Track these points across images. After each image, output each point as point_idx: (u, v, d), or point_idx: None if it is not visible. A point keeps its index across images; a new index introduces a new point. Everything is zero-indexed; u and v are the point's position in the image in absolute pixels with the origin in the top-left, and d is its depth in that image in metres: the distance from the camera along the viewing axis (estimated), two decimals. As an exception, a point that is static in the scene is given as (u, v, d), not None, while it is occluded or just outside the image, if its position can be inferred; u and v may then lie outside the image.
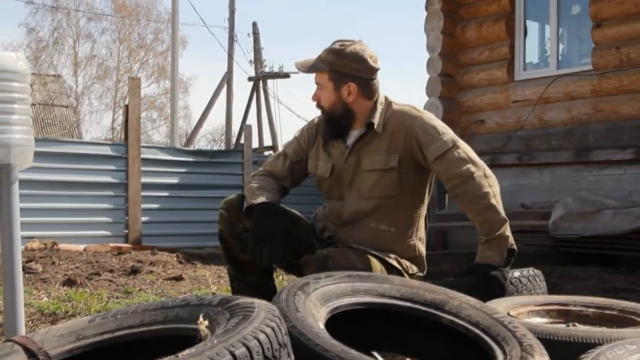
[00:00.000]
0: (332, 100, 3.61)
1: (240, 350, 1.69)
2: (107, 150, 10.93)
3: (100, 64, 45.35)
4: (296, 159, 3.85)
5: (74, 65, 44.77)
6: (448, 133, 3.56)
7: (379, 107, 3.62)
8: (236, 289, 3.77)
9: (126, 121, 11.20)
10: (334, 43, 3.64)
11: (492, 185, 3.47)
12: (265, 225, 3.44)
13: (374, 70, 3.62)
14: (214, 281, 6.61)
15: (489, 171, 3.52)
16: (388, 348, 2.79)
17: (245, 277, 3.74)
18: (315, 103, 3.69)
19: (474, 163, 3.49)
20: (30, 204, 9.54)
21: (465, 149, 3.54)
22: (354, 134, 3.65)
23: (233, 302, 2.05)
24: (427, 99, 10.63)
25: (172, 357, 1.66)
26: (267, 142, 28.90)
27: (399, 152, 3.55)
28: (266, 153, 23.03)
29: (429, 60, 10.70)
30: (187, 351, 1.69)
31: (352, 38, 3.65)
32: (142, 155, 10.95)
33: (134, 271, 7.21)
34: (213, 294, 5.58)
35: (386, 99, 3.69)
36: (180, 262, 8.41)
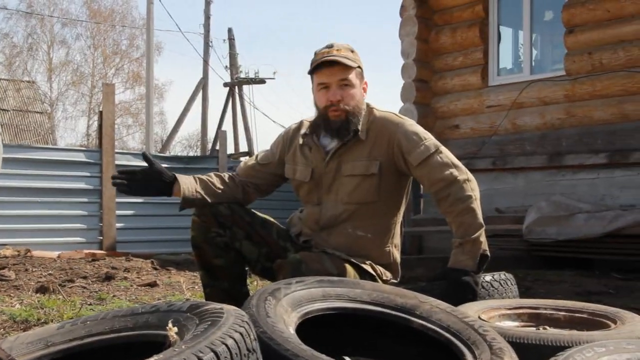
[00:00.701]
0: (358, 97, 3.60)
1: (208, 356, 1.69)
2: (81, 157, 10.89)
3: (75, 69, 45.16)
4: (264, 162, 3.89)
5: (49, 71, 44.53)
6: (430, 139, 3.58)
7: (362, 112, 3.63)
8: (209, 295, 3.75)
9: (100, 127, 11.16)
10: (330, 46, 3.59)
11: (473, 189, 3.48)
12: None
13: None
14: (188, 287, 6.59)
15: (471, 176, 3.53)
16: (359, 353, 2.79)
17: (218, 283, 3.72)
18: (327, 104, 3.57)
19: (456, 167, 3.50)
20: (3, 211, 9.49)
21: (447, 154, 3.56)
22: (335, 140, 3.63)
23: (202, 308, 2.04)
24: (401, 104, 10.66)
25: (144, 360, 1.66)
26: (243, 147, 28.88)
27: (381, 158, 3.55)
28: (242, 159, 23.02)
29: (403, 66, 10.73)
30: (155, 357, 1.68)
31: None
32: (117, 162, 10.91)
33: (108, 277, 7.16)
34: (187, 299, 5.56)
35: (367, 105, 3.69)
36: (155, 269, 8.38)
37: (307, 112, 27.25)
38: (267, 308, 2.30)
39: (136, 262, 8.73)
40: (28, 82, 41.22)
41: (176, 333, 1.95)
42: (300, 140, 3.75)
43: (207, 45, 28.64)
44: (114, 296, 6.01)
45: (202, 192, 3.68)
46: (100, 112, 11.31)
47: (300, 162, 3.73)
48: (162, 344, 1.98)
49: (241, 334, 1.83)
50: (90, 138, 44.11)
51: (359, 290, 2.67)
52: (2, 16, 49.51)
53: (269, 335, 2.11)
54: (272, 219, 3.80)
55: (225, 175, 3.85)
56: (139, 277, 7.41)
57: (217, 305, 2.04)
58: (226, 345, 1.75)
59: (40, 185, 10.46)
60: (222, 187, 3.75)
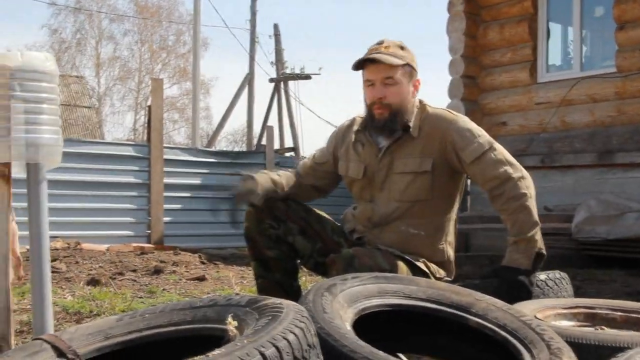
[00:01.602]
0: (404, 95, 3.55)
1: (270, 351, 1.70)
2: (130, 151, 10.98)
3: (123, 65, 45.58)
4: (327, 161, 3.88)
5: (96, 67, 44.99)
6: (484, 136, 3.54)
7: (415, 110, 3.61)
8: (261, 285, 3.78)
9: (149, 122, 11.24)
10: (380, 42, 3.58)
11: (528, 187, 3.44)
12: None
13: None
14: (237, 282, 6.62)
15: (525, 173, 3.49)
16: (414, 350, 2.79)
17: (270, 275, 3.75)
18: (373, 101, 3.56)
19: (511, 165, 3.47)
20: (54, 204, 9.59)
21: (502, 151, 3.52)
22: (385, 137, 3.63)
23: (261, 303, 2.05)
24: (448, 100, 10.60)
25: (202, 357, 1.67)
26: (289, 143, 28.92)
27: (433, 155, 3.52)
28: (287, 154, 23.07)
29: (451, 62, 10.68)
30: (217, 351, 1.69)
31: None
32: (165, 156, 10.98)
33: (157, 271, 7.23)
34: (237, 294, 5.60)
35: (420, 102, 3.67)
36: (203, 263, 8.43)
37: (353, 109, 27.17)
38: (324, 304, 2.30)
39: (184, 256, 8.79)
40: (76, 77, 41.69)
41: (235, 327, 1.96)
42: (353, 137, 3.74)
43: (253, 40, 28.72)
44: (163, 289, 6.06)
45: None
46: (149, 107, 11.39)
47: (353, 159, 3.72)
48: (220, 338, 1.99)
49: (302, 329, 1.83)
50: (136, 133, 44.55)
51: (414, 287, 2.66)
52: (52, 12, 50.04)
53: (327, 331, 2.11)
54: (327, 216, 3.81)
55: (292, 177, 3.87)
56: (187, 271, 7.46)
57: (277, 300, 2.05)
58: (287, 340, 1.76)
59: (90, 178, 10.57)
60: (290, 191, 3.79)
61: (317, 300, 2.31)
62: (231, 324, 1.96)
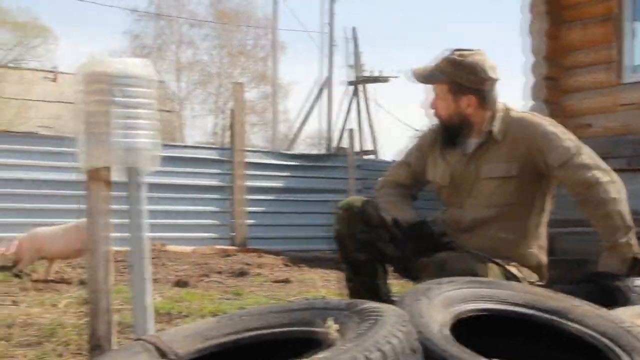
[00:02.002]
0: (450, 111, 3.57)
1: (375, 355, 1.69)
2: (213, 154, 11.11)
3: (202, 69, 46.10)
4: (418, 168, 3.84)
5: (177, 71, 45.61)
6: (571, 139, 3.48)
7: (498, 115, 3.56)
8: (352, 289, 3.78)
9: (231, 126, 11.38)
10: (452, 52, 3.57)
11: (619, 191, 3.37)
12: (428, 246, 3.49)
13: (494, 81, 3.56)
14: (322, 284, 6.63)
15: (615, 177, 3.41)
16: (509, 356, 2.75)
17: (360, 278, 3.75)
18: (432, 111, 3.64)
19: (599, 169, 3.39)
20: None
21: (590, 154, 3.45)
22: (473, 142, 3.59)
23: (361, 307, 2.05)
24: (531, 102, 10.44)
25: (308, 359, 1.67)
26: (368, 146, 28.91)
27: (520, 160, 3.47)
28: (366, 157, 23.04)
29: (533, 64, 10.52)
30: (321, 354, 1.69)
31: (471, 47, 3.60)
32: (247, 159, 11.09)
33: (242, 273, 7.31)
34: (323, 297, 5.61)
35: (505, 106, 3.62)
36: (287, 265, 8.49)
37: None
38: (421, 308, 2.28)
39: (267, 259, 8.87)
40: (157, 82, 42.28)
41: (336, 331, 1.96)
42: (440, 143, 3.73)
43: (331, 44, 28.79)
44: (250, 291, 6.11)
45: None
46: (232, 111, 11.52)
47: (440, 164, 3.70)
48: (319, 341, 1.99)
49: (405, 333, 1.82)
50: (216, 136, 45.01)
51: (509, 292, 2.62)
52: (133, 18, 50.97)
53: (425, 335, 2.09)
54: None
55: (402, 191, 3.88)
56: (271, 274, 7.53)
57: (376, 304, 2.04)
58: (391, 344, 1.75)
59: (174, 181, 10.72)
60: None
61: (413, 304, 2.30)
62: (331, 328, 1.96)
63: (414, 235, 3.54)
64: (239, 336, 2.25)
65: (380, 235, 3.68)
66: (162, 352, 2.17)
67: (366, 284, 3.73)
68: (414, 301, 2.32)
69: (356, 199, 3.85)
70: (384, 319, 1.88)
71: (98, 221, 2.44)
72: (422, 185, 3.90)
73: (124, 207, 2.60)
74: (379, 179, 4.00)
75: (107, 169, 2.45)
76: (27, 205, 9.94)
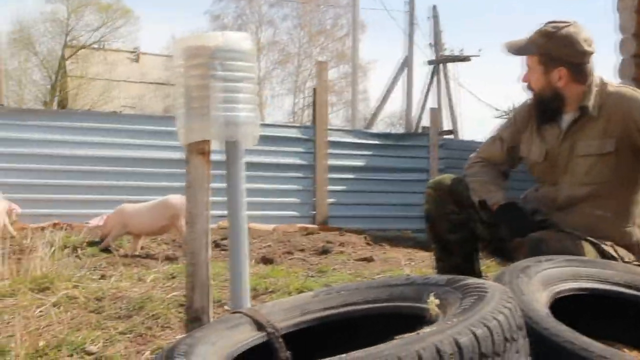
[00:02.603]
0: (541, 84, 3.50)
1: (481, 331, 1.66)
2: (295, 133, 11.13)
3: (282, 49, 46.28)
4: (512, 144, 3.76)
5: (257, 51, 45.80)
6: None
7: (594, 90, 3.47)
8: (441, 269, 3.74)
9: (314, 104, 11.38)
10: (546, 24, 3.50)
11: None
12: (519, 227, 3.41)
13: (588, 54, 3.46)
14: (405, 263, 6.60)
15: None
16: (607, 336, 2.69)
17: (450, 258, 3.70)
18: (525, 85, 3.58)
19: None
20: (221, 184, 9.86)
21: None
22: (567, 118, 3.51)
23: (462, 282, 2.02)
24: (618, 81, 10.18)
25: (413, 334, 1.65)
26: (447, 125, 28.67)
27: (616, 135, 3.38)
28: (445, 137, 22.85)
29: (621, 41, 10.24)
30: (427, 329, 1.68)
31: (567, 20, 3.52)
32: (329, 138, 11.09)
33: (325, 251, 7.32)
34: (407, 275, 5.59)
35: (601, 80, 3.53)
36: (368, 244, 8.47)
37: (513, 91, 26.57)
38: (521, 285, 2.25)
39: (349, 237, 8.86)
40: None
41: (437, 306, 1.94)
42: (535, 119, 3.66)
43: (411, 22, 28.59)
44: (333, 269, 6.11)
45: None
46: (314, 90, 11.52)
47: (535, 141, 3.63)
48: (419, 317, 1.97)
49: (510, 309, 1.79)
50: (296, 115, 45.19)
51: (610, 272, 2.56)
52: (213, -1, 51.40)
53: (526, 313, 2.06)
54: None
55: (494, 171, 3.80)
56: (354, 252, 7.52)
57: (478, 280, 2.02)
58: (497, 320, 1.71)
59: (257, 160, 10.77)
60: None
61: (513, 281, 2.27)
62: (433, 303, 1.94)
63: (502, 217, 3.49)
64: (337, 311, 2.25)
65: (471, 215, 3.63)
66: (260, 325, 2.18)
67: (457, 265, 3.68)
68: (513, 278, 2.29)
69: (446, 177, 3.79)
70: (488, 295, 1.85)
71: (198, 195, 2.46)
72: (515, 163, 3.82)
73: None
74: (470, 155, 3.92)
75: (207, 142, 2.46)
76: (113, 183, 10.13)
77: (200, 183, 2.45)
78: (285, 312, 2.27)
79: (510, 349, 1.73)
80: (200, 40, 2.40)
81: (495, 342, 1.68)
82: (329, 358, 1.60)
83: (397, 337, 1.66)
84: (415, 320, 1.94)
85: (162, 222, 7.16)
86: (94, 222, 7.61)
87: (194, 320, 2.46)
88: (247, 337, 2.13)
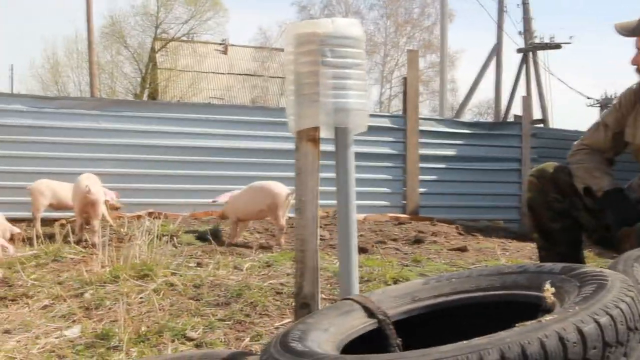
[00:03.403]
0: None
1: (604, 319, 1.63)
2: (386, 122, 11.08)
3: (368, 39, 46.13)
4: (617, 129, 3.67)
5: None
6: None
7: None
8: (544, 258, 3.68)
9: (404, 93, 11.31)
10: None
11: None
12: (626, 214, 3.34)
13: None
14: (500, 252, 6.54)
15: None
16: None
17: (554, 247, 3.64)
18: (634, 67, 3.48)
19: None
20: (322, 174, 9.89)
21: None
22: None
23: (579, 271, 1.98)
24: None
25: (534, 321, 1.63)
26: (537, 114, 28.21)
27: None
28: (537, 126, 22.49)
29: None
30: (549, 317, 1.65)
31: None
32: (420, 127, 11.01)
33: (418, 241, 7.30)
34: (504, 265, 5.53)
35: None
36: (460, 234, 8.41)
37: (605, 78, 25.99)
38: (636, 274, 2.20)
39: (441, 227, 8.82)
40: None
41: (552, 294, 1.90)
42: None
43: (501, 10, 28.16)
44: (428, 259, 6.09)
45: None
46: (404, 79, 11.46)
47: None
48: (533, 305, 1.94)
49: (632, 298, 1.75)
50: (382, 105, 45.08)
51: None
52: (300, -11, 51.66)
53: (645, 302, 2.01)
54: None
55: (598, 157, 3.72)
56: (447, 242, 7.48)
57: (596, 269, 1.97)
58: (620, 309, 1.67)
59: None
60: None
61: (627, 270, 2.22)
62: (548, 291, 1.91)
63: (608, 204, 3.40)
64: (448, 298, 2.24)
65: (575, 203, 3.56)
66: (370, 312, 2.18)
67: (561, 254, 3.61)
68: (627, 267, 2.24)
69: (548, 165, 3.72)
70: (609, 284, 1.81)
71: (308, 182, 2.47)
72: (620, 149, 3.72)
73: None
74: (574, 142, 3.84)
75: (317, 129, 2.47)
76: (206, 173, 10.26)
77: (310, 170, 2.47)
78: (395, 299, 2.27)
79: (632, 339, 1.69)
80: (311, 27, 2.40)
81: (618, 331, 1.64)
82: (448, 345, 1.59)
83: (517, 324, 1.64)
84: (529, 308, 1.92)
85: (259, 207, 7.23)
86: (221, 198, 7.72)
87: (303, 306, 2.47)
88: (358, 323, 2.14)
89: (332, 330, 2.05)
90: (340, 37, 2.40)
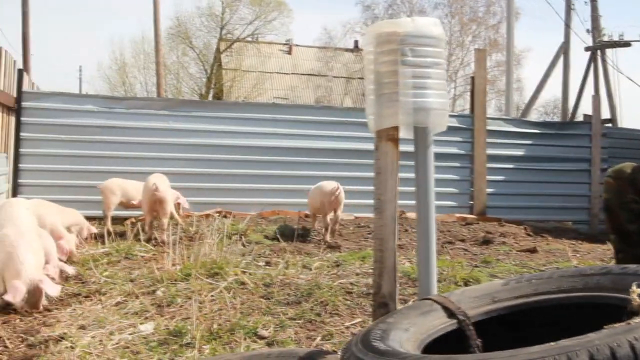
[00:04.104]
0: None
1: None
2: (453, 122, 10.99)
3: (433, 38, 45.93)
4: None
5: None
6: None
7: None
8: (621, 260, 3.62)
9: (472, 93, 11.21)
10: None
11: None
12: None
13: None
14: (571, 254, 6.45)
15: None
16: None
17: (631, 249, 3.58)
18: None
19: None
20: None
21: None
22: None
23: (665, 273, 1.95)
24: None
25: (623, 324, 1.61)
26: (605, 114, 27.71)
27: None
28: (606, 125, 22.12)
29: None
30: (637, 319, 1.62)
31: None
32: (488, 127, 10.90)
33: (486, 241, 7.25)
34: (575, 267, 5.45)
35: None
36: (529, 235, 8.32)
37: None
38: None
39: (509, 228, 8.74)
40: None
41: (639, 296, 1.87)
42: None
43: (568, 8, 27.69)
44: (497, 259, 6.04)
45: None
46: (472, 78, 11.35)
47: None
48: (615, 307, 1.91)
49: None
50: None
51: None
52: (363, -11, 51.66)
53: None
54: None
55: None
56: (516, 243, 7.41)
57: (685, 271, 1.94)
58: None
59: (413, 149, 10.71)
60: None
61: None
62: (635, 293, 1.87)
63: None
64: (528, 300, 2.21)
65: None
66: (450, 312, 2.17)
67: (638, 256, 3.55)
68: None
69: (626, 165, 3.66)
70: None
71: (388, 181, 2.47)
72: None
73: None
74: None
75: (396, 128, 2.46)
76: (273, 172, 10.32)
77: (390, 169, 2.47)
78: (474, 299, 2.25)
79: None
80: (391, 26, 2.40)
81: None
82: (536, 346, 1.58)
83: (606, 326, 1.61)
84: (612, 310, 1.89)
85: (315, 205, 7.75)
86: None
87: (381, 305, 2.47)
88: (438, 324, 2.13)
89: (412, 330, 2.05)
90: (421, 36, 2.40)
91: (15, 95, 8.99)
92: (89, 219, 7.66)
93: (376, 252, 2.51)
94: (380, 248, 2.48)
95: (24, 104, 9.33)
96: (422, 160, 2.49)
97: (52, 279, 4.87)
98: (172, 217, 7.62)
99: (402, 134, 2.47)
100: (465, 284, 4.90)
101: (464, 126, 10.91)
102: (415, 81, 2.39)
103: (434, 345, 2.05)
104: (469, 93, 14.75)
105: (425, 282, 2.48)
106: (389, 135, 2.45)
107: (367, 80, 2.50)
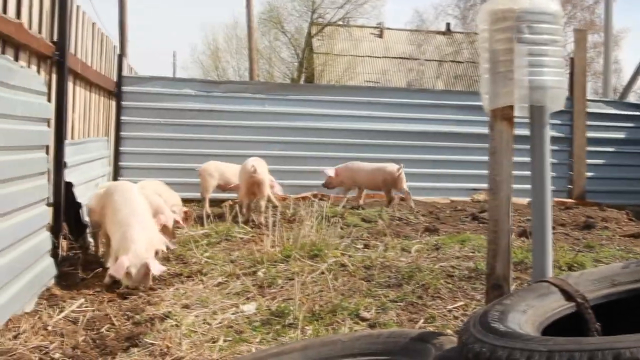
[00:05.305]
0: None
1: None
2: (557, 105, 10.77)
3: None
4: None
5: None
6: None
7: None
8: None
9: (571, 74, 10.96)
10: None
11: None
12: None
13: None
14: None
15: None
16: None
17: None
18: None
19: None
20: (480, 157, 9.77)
21: None
22: None
23: None
24: None
25: None
26: None
27: None
28: None
29: None
30: None
31: None
32: (588, 109, 10.65)
33: (588, 226, 7.10)
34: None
35: None
36: (631, 220, 8.11)
37: None
38: None
39: (610, 212, 8.53)
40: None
41: None
42: None
43: (670, -13, 26.85)
44: (600, 244, 5.92)
45: None
46: (571, 59, 11.09)
47: None
48: None
49: None
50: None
51: None
52: (457, -28, 51.03)
53: None
54: None
55: None
56: (619, 227, 7.24)
57: None
58: None
59: (517, 132, 10.54)
60: None
61: None
62: None
63: None
64: (650, 283, 2.15)
65: None
66: (568, 295, 2.12)
67: None
68: None
69: None
70: None
71: (502, 161, 2.43)
72: None
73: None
74: None
75: (511, 107, 2.41)
76: (372, 155, 10.30)
77: (505, 149, 2.42)
78: (593, 282, 2.20)
79: None
80: (507, 3, 2.35)
81: None
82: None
83: None
84: None
85: (377, 183, 8.98)
86: (328, 171, 9.18)
87: (495, 287, 2.43)
88: (556, 306, 2.09)
89: (530, 312, 2.01)
90: (537, 12, 2.34)
91: (115, 79, 9.17)
92: (187, 201, 7.78)
93: (490, 233, 2.48)
94: (495, 229, 2.45)
95: (124, 88, 9.54)
96: (538, 140, 2.44)
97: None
98: (269, 200, 7.67)
99: (518, 112, 2.42)
100: (570, 269, 4.81)
101: (563, 108, 10.66)
102: (531, 59, 2.33)
103: (552, 328, 2.01)
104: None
105: (540, 265, 2.43)
106: (504, 115, 2.40)
107: (481, 59, 2.46)
